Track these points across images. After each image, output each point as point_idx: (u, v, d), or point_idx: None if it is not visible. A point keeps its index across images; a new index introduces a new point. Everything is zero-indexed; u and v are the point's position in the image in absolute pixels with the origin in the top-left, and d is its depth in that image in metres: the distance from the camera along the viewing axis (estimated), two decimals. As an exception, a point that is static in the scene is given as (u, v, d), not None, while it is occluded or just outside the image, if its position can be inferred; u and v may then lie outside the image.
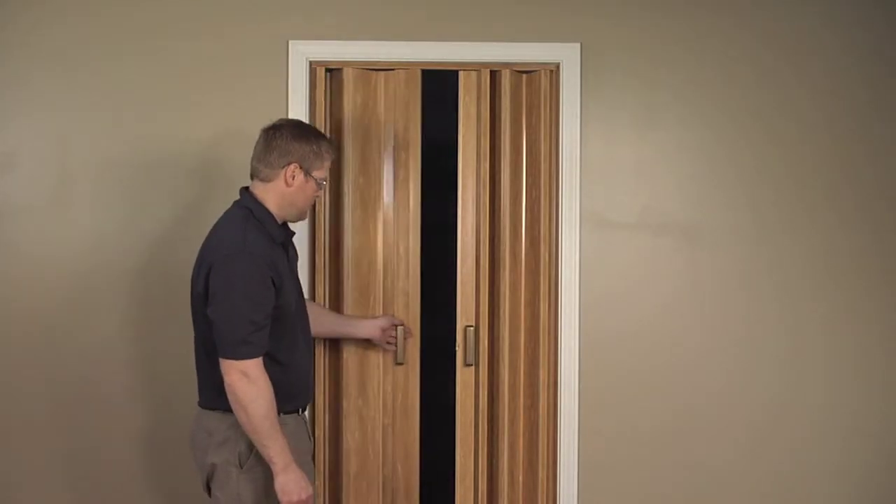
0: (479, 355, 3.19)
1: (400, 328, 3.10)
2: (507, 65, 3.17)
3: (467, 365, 3.20)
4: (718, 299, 3.17)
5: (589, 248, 3.16)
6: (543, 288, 3.21)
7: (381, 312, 3.18)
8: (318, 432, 3.16)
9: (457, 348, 3.20)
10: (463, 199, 3.21)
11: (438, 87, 3.33)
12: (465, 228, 3.21)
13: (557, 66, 3.15)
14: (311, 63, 3.13)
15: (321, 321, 2.93)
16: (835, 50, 3.16)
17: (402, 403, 3.20)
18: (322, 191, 2.60)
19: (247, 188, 2.57)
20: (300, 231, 3.10)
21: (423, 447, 3.22)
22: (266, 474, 2.41)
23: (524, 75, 3.22)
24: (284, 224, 2.58)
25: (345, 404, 3.18)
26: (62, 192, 3.11)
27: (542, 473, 3.22)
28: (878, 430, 3.19)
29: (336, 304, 3.18)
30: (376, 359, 3.18)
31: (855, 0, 3.16)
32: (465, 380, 3.22)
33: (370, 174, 3.19)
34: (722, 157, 3.17)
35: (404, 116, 3.18)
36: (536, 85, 3.20)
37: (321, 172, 2.55)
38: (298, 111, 3.09)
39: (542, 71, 3.18)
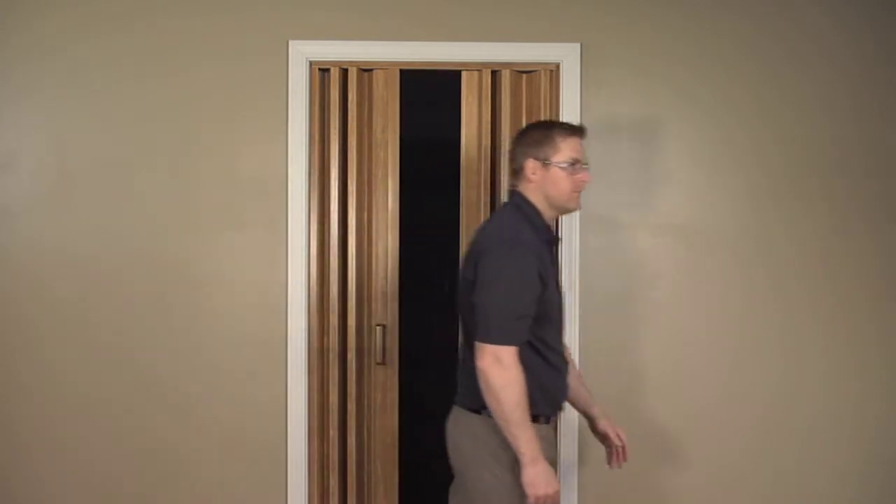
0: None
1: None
2: (507, 65, 3.18)
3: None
4: (718, 299, 3.18)
5: (589, 248, 3.16)
6: (543, 288, 3.20)
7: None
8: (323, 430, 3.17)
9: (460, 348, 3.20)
10: (465, 199, 3.21)
11: (439, 87, 3.34)
12: (467, 228, 3.21)
13: (557, 66, 3.15)
14: (311, 63, 3.13)
15: (574, 385, 2.72)
16: (838, 45, 3.17)
17: (382, 402, 3.23)
18: (581, 173, 2.47)
19: (513, 189, 2.55)
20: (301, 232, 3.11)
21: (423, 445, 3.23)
22: (516, 478, 2.31)
23: (524, 75, 3.22)
24: (549, 227, 2.52)
25: (331, 404, 3.20)
26: (61, 193, 3.11)
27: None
28: (877, 430, 3.21)
29: (342, 303, 3.19)
30: (357, 359, 3.21)
31: (857, -4, 3.19)
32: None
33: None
34: (723, 157, 3.17)
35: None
36: (536, 85, 3.20)
37: (561, 155, 2.45)
38: (298, 111, 3.09)
39: (542, 71, 3.18)
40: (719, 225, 3.18)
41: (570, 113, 3.13)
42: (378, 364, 3.21)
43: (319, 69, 3.16)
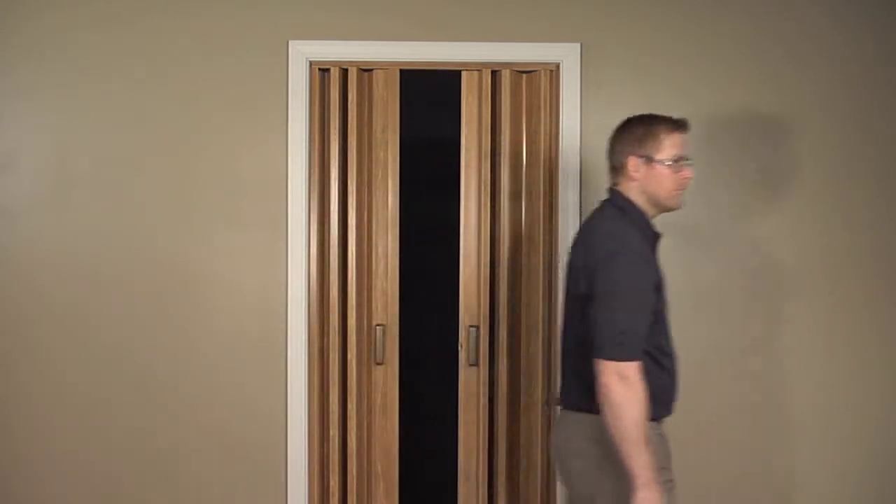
0: (479, 355, 3.19)
1: None
2: (507, 65, 3.18)
3: (470, 365, 3.20)
4: (717, 299, 3.18)
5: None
6: (542, 289, 3.21)
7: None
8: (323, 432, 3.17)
9: (460, 349, 3.20)
10: (465, 199, 3.21)
11: (439, 87, 3.34)
12: (467, 228, 3.22)
13: (557, 66, 3.15)
14: (311, 63, 3.13)
15: None
16: (837, 45, 3.17)
17: (382, 403, 3.23)
18: (685, 169, 2.40)
19: (613, 188, 2.46)
20: (301, 234, 3.11)
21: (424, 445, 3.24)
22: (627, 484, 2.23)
23: (524, 75, 3.22)
24: (652, 226, 2.44)
25: (331, 404, 3.20)
26: (61, 193, 3.11)
27: (540, 473, 3.22)
28: (877, 430, 3.21)
29: (342, 303, 3.19)
30: (357, 359, 3.21)
31: (857, -3, 3.19)
32: (467, 380, 3.22)
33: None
34: (722, 157, 3.17)
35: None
36: (536, 85, 3.21)
37: (665, 152, 2.36)
38: (298, 111, 3.10)
39: (542, 71, 3.18)
40: (718, 225, 3.18)
41: (569, 113, 3.13)
42: (378, 364, 3.21)
43: (319, 69, 3.16)
